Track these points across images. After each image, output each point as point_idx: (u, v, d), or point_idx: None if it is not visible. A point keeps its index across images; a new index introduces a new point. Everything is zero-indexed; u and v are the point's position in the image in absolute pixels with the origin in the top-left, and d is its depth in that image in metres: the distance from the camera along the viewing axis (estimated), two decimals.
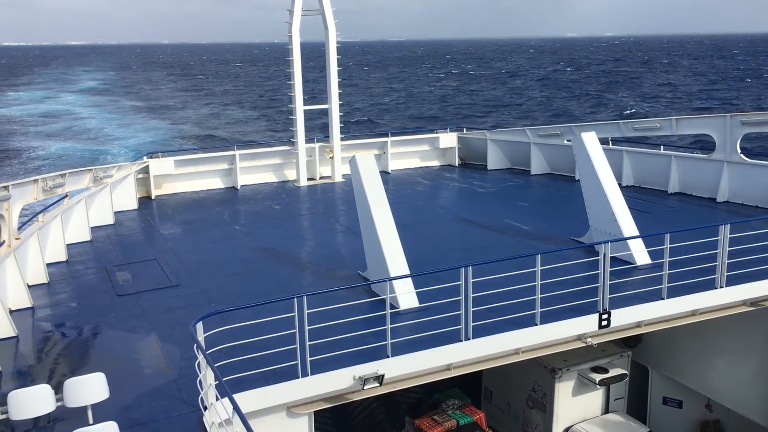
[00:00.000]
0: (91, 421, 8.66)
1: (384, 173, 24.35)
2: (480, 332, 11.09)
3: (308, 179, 24.44)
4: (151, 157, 22.83)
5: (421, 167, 26.97)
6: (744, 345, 14.84)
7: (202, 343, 8.98)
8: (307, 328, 9.78)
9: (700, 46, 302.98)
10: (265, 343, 9.77)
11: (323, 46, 24.15)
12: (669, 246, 12.36)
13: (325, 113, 24.98)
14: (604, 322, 11.98)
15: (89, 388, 8.75)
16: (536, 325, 11.50)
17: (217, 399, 8.68)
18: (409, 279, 12.41)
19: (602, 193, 15.09)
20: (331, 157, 24.59)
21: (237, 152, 23.99)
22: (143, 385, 10.00)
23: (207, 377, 8.66)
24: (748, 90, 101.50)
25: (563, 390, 14.63)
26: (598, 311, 11.94)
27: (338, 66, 24.29)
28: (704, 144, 35.60)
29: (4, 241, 13.69)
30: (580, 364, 14.59)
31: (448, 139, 27.04)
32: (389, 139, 26.22)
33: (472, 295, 10.89)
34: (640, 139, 22.35)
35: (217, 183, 24.15)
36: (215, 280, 14.59)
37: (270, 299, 10.41)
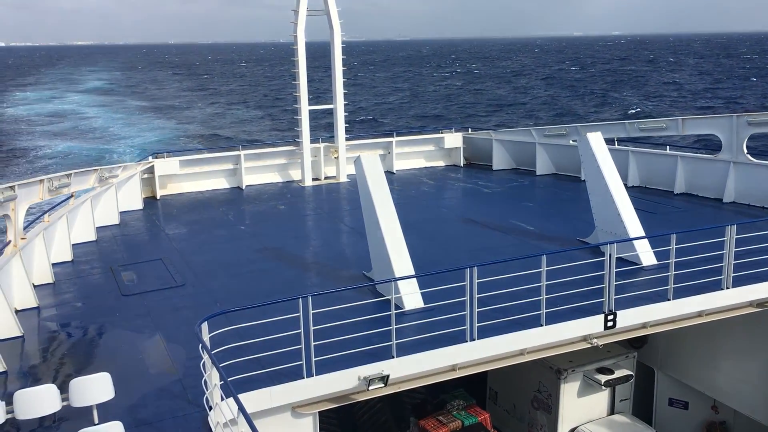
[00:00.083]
0: (96, 421, 8.69)
1: (389, 173, 24.37)
2: (485, 333, 11.07)
3: (313, 179, 24.44)
4: (157, 158, 22.89)
5: (426, 167, 26.94)
6: (750, 346, 14.77)
7: (207, 343, 8.99)
8: (312, 328, 9.79)
9: (706, 45, 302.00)
10: (270, 343, 9.78)
11: (328, 46, 24.17)
12: (675, 247, 12.32)
13: (330, 113, 24.98)
14: (610, 323, 11.95)
15: (94, 387, 8.78)
16: (542, 325, 11.47)
17: (222, 399, 8.71)
18: (414, 279, 12.39)
19: (608, 194, 15.05)
20: (336, 158, 24.59)
21: (242, 152, 24.01)
22: (148, 385, 10.01)
23: (212, 377, 8.68)
24: (753, 89, 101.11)
25: (568, 391, 14.59)
26: (604, 312, 11.91)
27: (343, 66, 24.28)
28: (708, 143, 35.51)
29: (10, 241, 13.72)
30: (585, 365, 14.55)
31: (454, 140, 27.00)
32: (394, 139, 26.20)
33: (477, 296, 10.87)
34: (646, 139, 22.28)
35: (222, 183, 24.18)
36: (220, 280, 14.61)
37: (275, 299, 10.41)
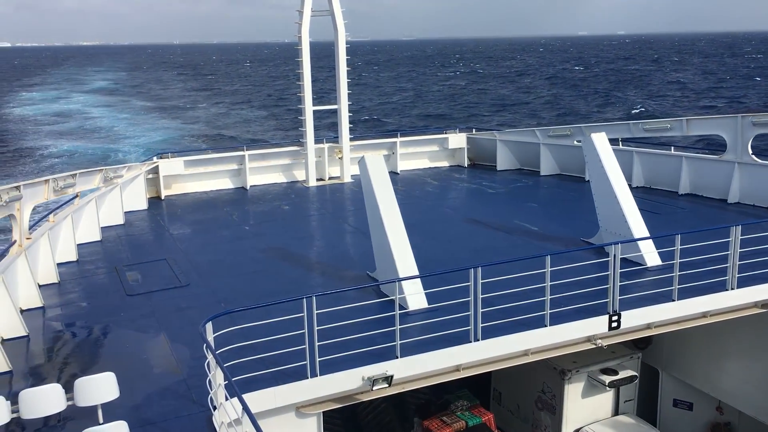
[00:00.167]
0: (101, 421, 8.70)
1: (393, 174, 24.37)
2: (489, 333, 11.06)
3: (317, 180, 24.47)
4: (161, 158, 22.92)
5: (430, 168, 26.93)
6: (755, 347, 14.73)
7: (212, 343, 9.01)
8: (316, 328, 9.79)
9: (711, 44, 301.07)
10: (275, 343, 9.79)
11: (333, 46, 24.18)
12: (680, 247, 12.28)
13: (334, 113, 25.00)
14: (614, 324, 11.93)
15: (99, 387, 8.80)
16: (546, 326, 11.46)
17: (227, 399, 8.72)
18: (418, 280, 12.39)
19: (612, 194, 15.02)
20: (340, 158, 24.60)
21: (246, 153, 24.04)
22: (153, 384, 10.03)
23: (216, 377, 8.69)
24: (756, 88, 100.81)
25: (573, 392, 14.57)
26: (608, 312, 11.90)
27: (347, 66, 24.30)
28: (713, 144, 35.39)
29: (15, 241, 13.76)
30: (589, 366, 14.52)
31: (458, 140, 26.99)
32: (398, 140, 26.19)
33: (481, 296, 10.86)
34: (650, 140, 22.23)
35: (226, 183, 24.22)
36: (225, 280, 14.63)
37: (279, 299, 10.41)
